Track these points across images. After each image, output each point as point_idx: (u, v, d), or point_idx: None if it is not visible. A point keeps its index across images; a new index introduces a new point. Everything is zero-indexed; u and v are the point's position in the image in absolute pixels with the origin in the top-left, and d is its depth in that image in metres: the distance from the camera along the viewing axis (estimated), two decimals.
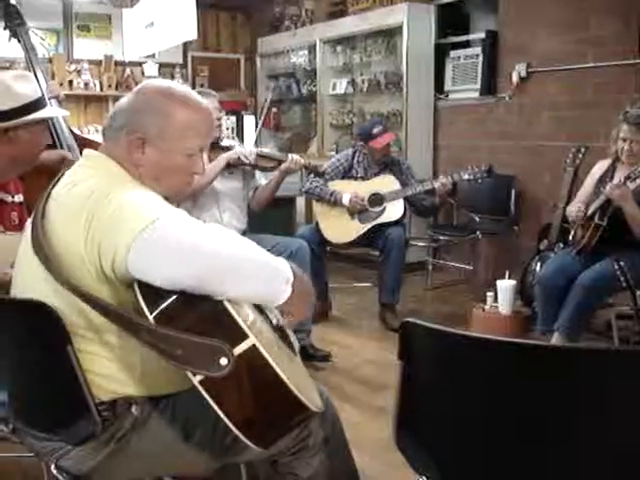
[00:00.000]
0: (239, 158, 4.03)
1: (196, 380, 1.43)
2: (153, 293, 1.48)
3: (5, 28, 3.38)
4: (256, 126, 4.10)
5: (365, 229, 4.96)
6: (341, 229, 5.00)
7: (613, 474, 1.37)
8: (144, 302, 1.47)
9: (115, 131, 1.73)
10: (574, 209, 3.97)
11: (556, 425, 1.36)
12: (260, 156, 4.17)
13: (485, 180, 4.92)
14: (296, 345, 1.84)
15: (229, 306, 1.49)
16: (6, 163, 2.35)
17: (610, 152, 3.98)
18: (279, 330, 1.76)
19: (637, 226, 3.68)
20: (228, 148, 4.12)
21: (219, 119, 4.15)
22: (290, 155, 4.27)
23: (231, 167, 4.09)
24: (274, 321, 1.76)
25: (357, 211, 4.94)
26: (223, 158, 4.01)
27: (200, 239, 1.52)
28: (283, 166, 4.18)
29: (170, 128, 1.72)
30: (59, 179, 1.74)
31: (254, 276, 1.56)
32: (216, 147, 4.06)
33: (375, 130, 4.95)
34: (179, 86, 1.81)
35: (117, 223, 1.51)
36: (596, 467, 1.37)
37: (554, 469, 1.39)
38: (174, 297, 1.47)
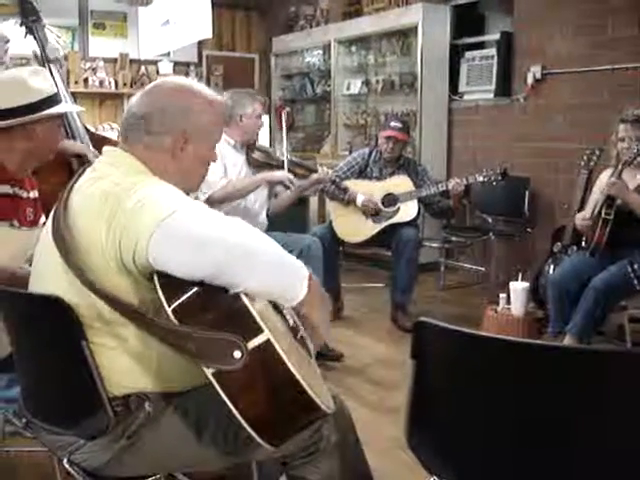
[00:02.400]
0: (281, 182, 4.16)
1: (209, 372, 1.44)
2: (172, 286, 1.49)
3: (21, 25, 3.40)
4: (280, 131, 4.30)
5: (378, 229, 4.97)
6: (355, 228, 5.00)
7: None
8: (163, 295, 1.48)
9: (152, 132, 1.75)
10: (579, 220, 3.97)
11: (565, 425, 1.35)
12: (293, 162, 4.27)
13: (499, 182, 4.92)
14: (312, 350, 1.85)
15: (246, 300, 1.50)
16: (23, 158, 2.37)
17: (612, 157, 3.96)
18: (296, 332, 1.77)
19: None
20: (263, 150, 4.19)
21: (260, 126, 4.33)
22: (322, 167, 4.39)
23: (258, 167, 4.16)
24: (290, 322, 1.77)
25: (370, 213, 4.95)
26: (262, 178, 4.11)
27: (219, 229, 1.55)
28: (315, 176, 4.30)
29: (206, 125, 1.81)
30: (81, 174, 1.77)
31: (271, 268, 1.57)
32: (253, 147, 4.24)
33: (391, 123, 5.06)
34: (200, 84, 1.89)
35: (138, 215, 1.53)
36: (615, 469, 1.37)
37: (569, 468, 1.38)
38: (193, 291, 1.49)
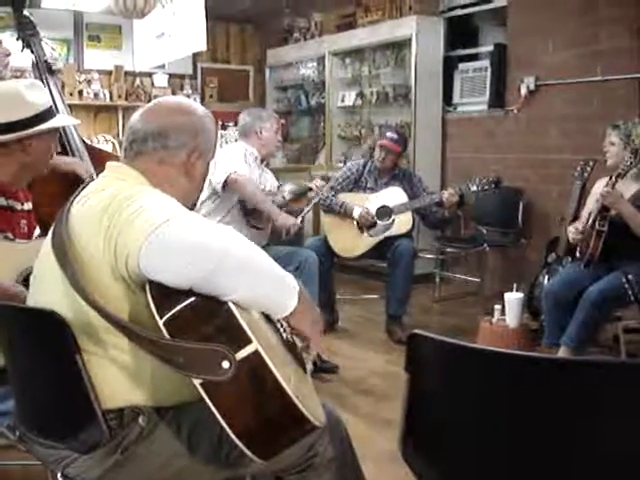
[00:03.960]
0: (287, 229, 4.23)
1: (197, 383, 1.44)
2: (164, 298, 1.50)
3: (18, 38, 3.40)
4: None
5: (374, 242, 4.97)
6: (350, 242, 5.00)
7: None
8: (155, 306, 1.49)
9: (168, 147, 1.79)
10: (571, 232, 3.98)
11: (562, 438, 1.35)
12: (292, 198, 4.44)
13: (493, 192, 4.94)
14: (308, 366, 1.85)
15: (235, 311, 1.51)
16: (19, 171, 2.37)
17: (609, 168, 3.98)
18: (290, 347, 1.77)
19: (638, 227, 3.67)
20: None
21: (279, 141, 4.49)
22: (315, 182, 4.61)
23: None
24: (284, 335, 1.77)
25: (366, 226, 4.95)
26: (276, 216, 4.18)
27: (211, 238, 1.56)
28: (311, 195, 4.52)
29: (212, 143, 1.91)
30: (84, 187, 1.78)
31: (261, 278, 1.59)
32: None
33: (388, 133, 5.10)
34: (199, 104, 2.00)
35: (134, 223, 1.55)
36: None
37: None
38: (184, 303, 1.49)
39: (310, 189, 4.48)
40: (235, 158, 4.13)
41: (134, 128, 1.81)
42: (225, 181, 4.05)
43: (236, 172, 4.06)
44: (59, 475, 1.74)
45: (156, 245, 1.52)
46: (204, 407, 1.44)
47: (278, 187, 4.46)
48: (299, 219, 4.28)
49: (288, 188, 4.35)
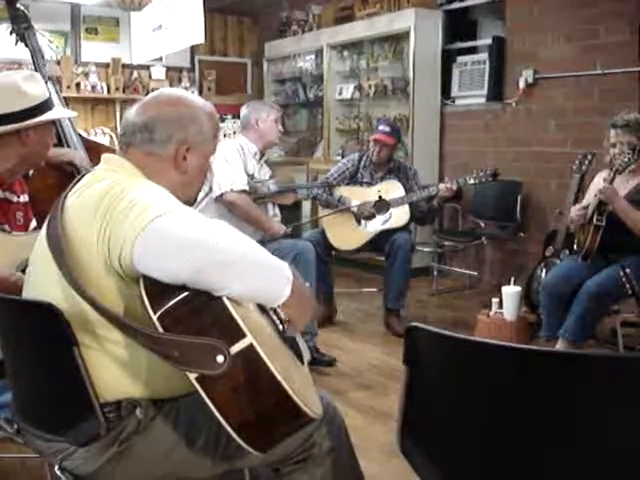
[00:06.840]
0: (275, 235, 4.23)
1: (192, 377, 1.44)
2: (157, 293, 1.49)
3: (12, 32, 3.37)
4: None
5: (372, 235, 4.97)
6: (348, 236, 5.00)
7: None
8: (148, 301, 1.48)
9: (155, 140, 1.78)
10: (573, 212, 3.96)
11: (560, 430, 1.35)
12: (278, 192, 4.39)
13: (490, 185, 4.92)
14: (306, 356, 1.84)
15: (229, 304, 1.50)
16: (16, 163, 2.37)
17: (606, 163, 3.96)
18: (286, 339, 1.77)
19: (633, 224, 3.66)
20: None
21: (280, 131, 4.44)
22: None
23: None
24: (280, 327, 1.77)
25: (365, 218, 4.95)
26: (268, 228, 4.18)
27: (204, 233, 1.55)
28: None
29: (205, 134, 1.85)
30: (79, 180, 1.78)
31: (255, 272, 1.59)
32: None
33: (380, 127, 5.10)
34: (194, 95, 1.97)
35: (128, 216, 1.54)
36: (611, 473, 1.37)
37: (564, 471, 1.38)
38: (178, 298, 1.49)
39: (294, 190, 4.56)
40: (232, 166, 4.08)
41: (127, 120, 1.82)
42: (220, 196, 4.05)
43: (232, 190, 4.04)
44: (56, 468, 1.74)
45: (149, 240, 1.51)
46: (201, 400, 1.44)
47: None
48: (289, 228, 4.29)
49: (273, 186, 4.32)
